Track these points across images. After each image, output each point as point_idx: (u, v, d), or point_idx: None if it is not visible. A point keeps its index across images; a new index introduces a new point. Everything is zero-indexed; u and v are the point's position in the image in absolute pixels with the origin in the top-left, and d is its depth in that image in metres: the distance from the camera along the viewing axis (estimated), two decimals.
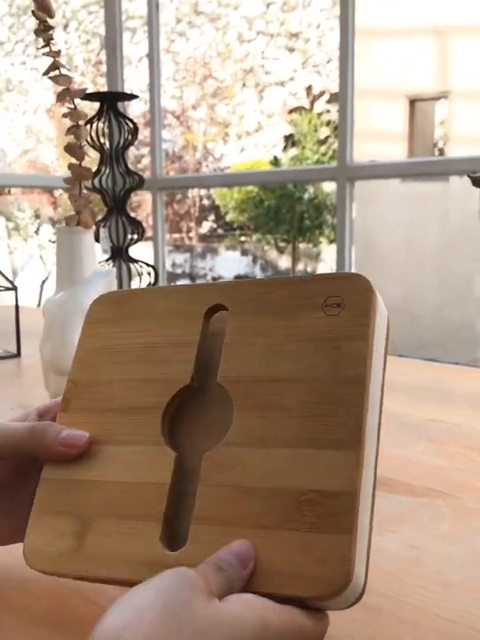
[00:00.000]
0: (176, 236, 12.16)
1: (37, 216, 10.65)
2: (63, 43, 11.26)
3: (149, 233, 3.33)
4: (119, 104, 1.80)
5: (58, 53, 0.79)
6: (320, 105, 11.34)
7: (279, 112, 12.08)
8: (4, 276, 1.17)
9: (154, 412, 0.41)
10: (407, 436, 0.72)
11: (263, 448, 0.37)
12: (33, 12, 0.77)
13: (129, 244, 1.79)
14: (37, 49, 0.81)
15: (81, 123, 0.80)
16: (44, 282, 9.55)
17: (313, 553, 0.33)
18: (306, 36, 11.54)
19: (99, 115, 1.74)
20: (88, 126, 1.69)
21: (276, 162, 10.81)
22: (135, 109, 9.26)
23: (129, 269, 1.82)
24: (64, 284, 0.81)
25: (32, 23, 0.86)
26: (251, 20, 11.65)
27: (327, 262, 10.45)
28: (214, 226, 12.42)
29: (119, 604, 0.30)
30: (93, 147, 1.71)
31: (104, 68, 3.82)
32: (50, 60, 0.79)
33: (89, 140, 1.68)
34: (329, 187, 9.99)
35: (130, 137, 1.77)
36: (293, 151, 11.27)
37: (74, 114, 0.80)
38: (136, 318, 0.45)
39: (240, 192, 10.73)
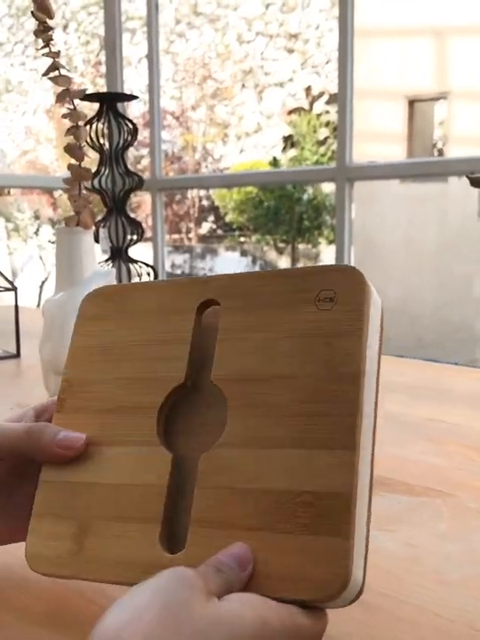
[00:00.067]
0: (175, 236, 12.16)
1: (37, 217, 10.65)
2: (63, 43, 11.26)
3: (149, 233, 3.33)
4: (119, 105, 1.80)
5: (57, 54, 0.79)
6: (319, 106, 11.35)
7: (278, 113, 12.08)
8: (3, 276, 1.17)
9: (149, 411, 0.40)
10: (406, 435, 0.72)
11: (257, 449, 0.36)
12: (32, 12, 0.77)
13: (128, 245, 1.79)
14: (37, 50, 0.81)
15: (80, 123, 0.80)
16: (43, 282, 9.55)
17: (308, 555, 0.33)
18: (305, 36, 11.55)
19: (98, 115, 1.74)
20: (87, 127, 1.69)
21: (275, 162, 10.81)
22: (135, 110, 9.26)
23: (128, 270, 1.82)
24: (63, 285, 0.81)
25: (31, 24, 0.87)
26: (250, 20, 11.65)
27: (326, 263, 10.46)
28: (214, 226, 12.42)
29: (118, 604, 0.30)
30: (93, 147, 1.71)
31: (103, 68, 3.83)
32: (49, 61, 0.79)
33: (88, 140, 1.68)
34: (328, 187, 9.99)
35: (129, 138, 1.77)
36: (293, 152, 11.27)
37: (73, 114, 0.80)
38: (128, 315, 0.44)
39: (239, 193, 10.74)
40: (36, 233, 10.43)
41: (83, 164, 0.80)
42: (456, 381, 0.96)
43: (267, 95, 12.15)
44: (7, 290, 1.15)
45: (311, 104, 11.38)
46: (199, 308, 0.42)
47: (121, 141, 1.78)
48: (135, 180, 1.77)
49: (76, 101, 0.80)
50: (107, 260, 1.79)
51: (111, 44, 3.29)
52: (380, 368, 0.38)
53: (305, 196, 10.52)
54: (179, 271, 11.34)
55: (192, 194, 11.89)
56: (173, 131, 12.33)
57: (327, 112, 11.09)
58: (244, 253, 11.64)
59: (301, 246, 10.98)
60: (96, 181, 1.71)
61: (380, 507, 0.54)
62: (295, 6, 11.43)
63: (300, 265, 10.74)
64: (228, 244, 11.98)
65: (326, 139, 10.95)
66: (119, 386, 0.42)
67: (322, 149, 10.90)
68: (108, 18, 3.29)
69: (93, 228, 0.83)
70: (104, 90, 3.75)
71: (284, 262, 11.00)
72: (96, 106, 1.77)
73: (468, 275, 6.73)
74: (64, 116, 0.80)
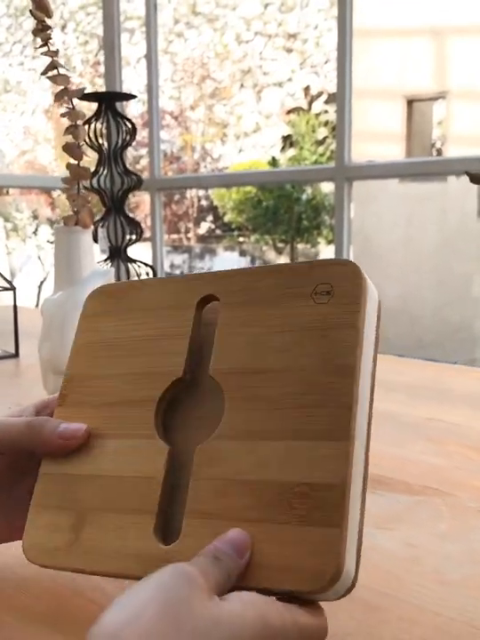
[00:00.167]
0: (174, 236, 12.17)
1: (35, 217, 10.65)
2: (61, 43, 11.26)
3: (148, 233, 3.33)
4: (117, 104, 1.79)
5: (56, 53, 0.79)
6: (318, 105, 11.35)
7: (277, 113, 12.09)
8: (2, 276, 1.17)
9: (147, 405, 0.41)
10: (406, 435, 0.72)
11: (253, 441, 0.36)
12: (31, 11, 0.77)
13: (127, 245, 1.79)
14: (35, 49, 0.81)
15: (79, 123, 0.80)
16: (42, 282, 9.55)
17: (303, 546, 0.33)
18: (304, 36, 11.56)
19: (97, 115, 1.73)
20: (86, 126, 1.68)
21: (274, 162, 10.81)
22: (133, 110, 9.26)
23: (127, 270, 1.82)
24: (62, 284, 0.81)
25: (30, 24, 0.86)
26: (249, 20, 11.66)
27: None
28: (212, 226, 12.43)
29: (118, 602, 0.29)
30: (91, 147, 1.71)
31: (102, 68, 3.82)
32: (48, 60, 0.79)
33: (87, 140, 1.68)
34: (327, 187, 9.99)
35: (128, 137, 1.77)
36: (291, 151, 11.28)
37: (72, 114, 0.79)
38: (131, 311, 0.45)
39: (238, 193, 10.73)
40: (35, 233, 10.43)
41: (81, 164, 0.80)
42: (456, 381, 0.96)
43: (265, 95, 12.16)
44: (6, 290, 1.15)
45: (310, 104, 11.39)
46: (199, 303, 0.43)
47: (120, 141, 1.77)
48: (134, 180, 1.77)
49: (75, 101, 0.80)
50: (105, 260, 1.79)
51: (110, 43, 3.29)
52: (376, 361, 0.38)
53: (304, 196, 10.52)
54: (177, 271, 11.34)
55: (191, 194, 11.90)
56: (172, 130, 12.34)
57: (326, 112, 11.10)
58: (242, 253, 11.64)
59: (300, 246, 10.99)
60: (95, 181, 1.71)
61: (379, 506, 0.54)
62: (294, 6, 11.44)
63: None
64: (226, 244, 11.99)
65: (325, 138, 10.96)
66: (120, 380, 0.43)
67: (320, 149, 10.91)
68: (106, 18, 3.29)
69: (92, 227, 0.83)
70: (103, 90, 3.75)
71: (282, 262, 11.00)
72: (95, 106, 1.77)
73: (467, 274, 6.74)
74: (63, 115, 0.80)
